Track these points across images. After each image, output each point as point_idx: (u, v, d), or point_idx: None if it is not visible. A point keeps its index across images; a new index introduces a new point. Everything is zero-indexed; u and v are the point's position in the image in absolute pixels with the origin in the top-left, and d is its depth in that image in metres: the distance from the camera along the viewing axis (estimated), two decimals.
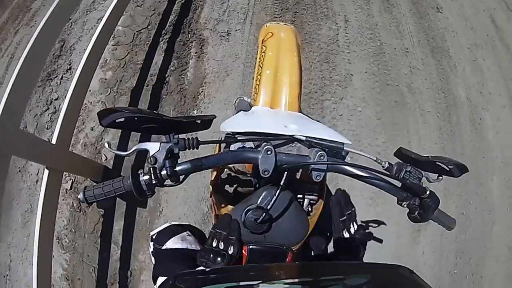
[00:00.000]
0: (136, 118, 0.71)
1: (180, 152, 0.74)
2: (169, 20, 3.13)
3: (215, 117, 0.81)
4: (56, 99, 2.69)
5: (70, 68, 2.84)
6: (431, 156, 0.85)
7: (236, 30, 3.10)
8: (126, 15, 3.02)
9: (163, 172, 0.71)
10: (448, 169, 0.83)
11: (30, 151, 1.60)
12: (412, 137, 2.78)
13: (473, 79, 3.73)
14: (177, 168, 0.72)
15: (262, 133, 0.87)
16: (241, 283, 0.68)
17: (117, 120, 0.69)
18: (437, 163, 0.83)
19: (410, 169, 0.81)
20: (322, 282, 0.71)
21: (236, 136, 0.89)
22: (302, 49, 2.84)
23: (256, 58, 1.34)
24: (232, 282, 0.69)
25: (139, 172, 0.72)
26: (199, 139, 0.76)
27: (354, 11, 3.63)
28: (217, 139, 0.89)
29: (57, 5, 1.76)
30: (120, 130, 2.44)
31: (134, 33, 3.00)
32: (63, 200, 2.31)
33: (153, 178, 0.70)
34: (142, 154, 0.72)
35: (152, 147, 0.72)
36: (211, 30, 3.07)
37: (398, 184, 0.84)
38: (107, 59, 2.80)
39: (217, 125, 0.89)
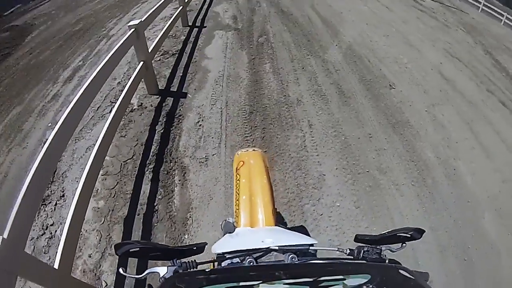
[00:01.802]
0: (143, 249, 0.93)
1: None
2: (152, 150, 3.46)
3: (207, 243, 1.05)
4: (51, 225, 2.80)
5: (63, 195, 3.03)
6: (387, 231, 1.04)
7: (213, 155, 3.42)
8: (112, 145, 3.32)
9: None
10: (409, 236, 1.01)
11: (34, 273, 1.69)
12: (394, 213, 2.98)
13: (438, 137, 4.13)
14: None
15: (245, 250, 1.06)
16: (241, 283, 0.72)
17: (131, 250, 0.91)
18: (397, 234, 1.02)
19: (367, 248, 1.01)
20: (322, 282, 0.73)
21: (225, 255, 1.08)
22: (275, 162, 3.36)
23: (233, 183, 1.61)
24: (232, 282, 0.73)
25: None
26: (197, 261, 0.96)
27: (316, 114, 4.16)
28: (211, 259, 1.14)
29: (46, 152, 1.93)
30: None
31: (121, 164, 3.28)
32: None
33: None
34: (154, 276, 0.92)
35: (162, 270, 0.90)
36: (191, 157, 3.40)
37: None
38: (98, 189, 3.02)
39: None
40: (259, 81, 4.89)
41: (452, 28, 10.62)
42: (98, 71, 2.70)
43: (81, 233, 2.56)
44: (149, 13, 4.38)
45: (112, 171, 3.20)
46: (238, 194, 1.49)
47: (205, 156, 3.42)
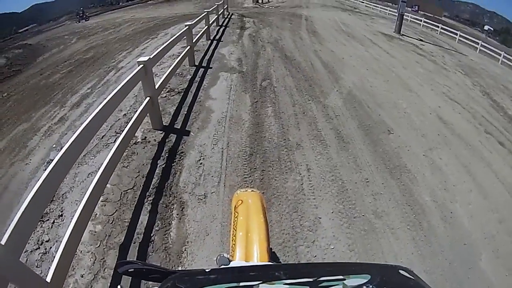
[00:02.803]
0: (144, 270, 0.93)
1: None
2: (152, 183, 3.58)
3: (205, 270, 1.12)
4: (47, 241, 2.88)
5: (62, 215, 3.13)
6: None
7: (212, 193, 3.53)
8: (114, 174, 3.44)
9: None
10: None
11: (27, 283, 1.74)
12: (388, 256, 3.01)
13: (435, 181, 4.23)
14: None
15: None
16: (241, 283, 0.72)
17: (129, 270, 0.91)
18: None
19: None
20: (322, 282, 0.73)
21: None
22: (272, 204, 3.49)
23: (230, 220, 1.72)
24: (232, 282, 0.73)
25: None
26: None
27: (315, 159, 4.29)
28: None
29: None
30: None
31: (121, 192, 3.39)
32: None
33: None
34: None
35: None
36: (190, 193, 3.50)
37: None
38: (96, 214, 3.09)
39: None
40: (260, 124, 5.10)
41: (450, 71, 11.07)
42: (107, 102, 2.91)
43: (75, 253, 2.61)
44: (158, 50, 4.70)
45: (112, 199, 3.31)
46: (236, 230, 1.59)
47: (204, 194, 3.52)
